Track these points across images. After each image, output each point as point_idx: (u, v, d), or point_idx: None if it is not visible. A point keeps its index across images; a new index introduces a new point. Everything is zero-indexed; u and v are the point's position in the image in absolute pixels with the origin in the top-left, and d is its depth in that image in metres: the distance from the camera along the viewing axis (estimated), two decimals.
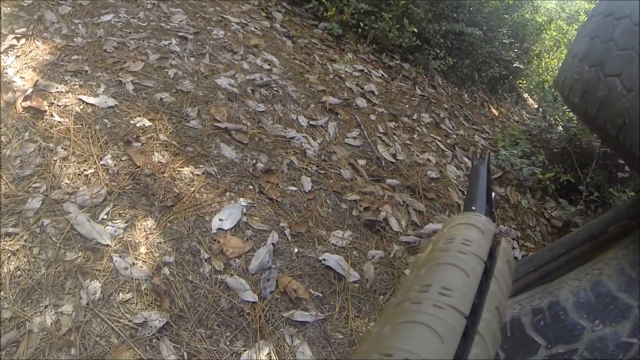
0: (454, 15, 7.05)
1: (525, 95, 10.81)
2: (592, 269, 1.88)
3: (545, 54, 10.72)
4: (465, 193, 1.54)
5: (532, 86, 9.51)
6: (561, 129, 6.12)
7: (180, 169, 2.86)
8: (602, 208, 4.95)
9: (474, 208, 1.28)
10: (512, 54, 8.39)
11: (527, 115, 9.45)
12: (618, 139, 1.69)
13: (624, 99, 1.65)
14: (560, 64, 9.96)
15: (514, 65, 8.61)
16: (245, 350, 2.18)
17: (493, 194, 1.43)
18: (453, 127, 5.78)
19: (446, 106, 6.26)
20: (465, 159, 5.03)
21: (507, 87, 9.55)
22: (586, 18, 2.28)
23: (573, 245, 2.62)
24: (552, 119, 6.46)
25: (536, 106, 9.72)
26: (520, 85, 10.20)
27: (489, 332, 0.85)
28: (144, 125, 3.05)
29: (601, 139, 2.04)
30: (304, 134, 3.74)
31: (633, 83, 1.62)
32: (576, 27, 14.04)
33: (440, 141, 5.08)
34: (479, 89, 8.25)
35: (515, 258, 3.70)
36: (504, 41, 8.11)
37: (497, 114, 8.01)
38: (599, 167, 5.13)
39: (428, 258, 0.98)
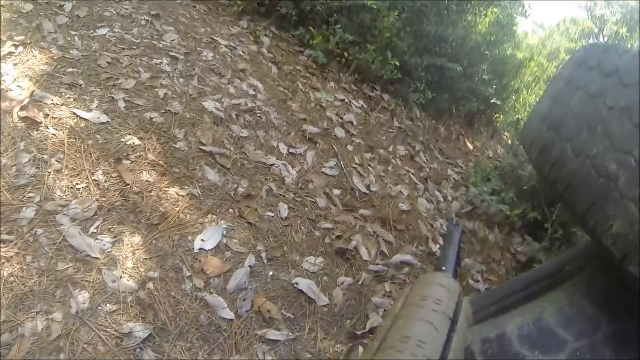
0: (436, 49, 7.19)
1: (502, 130, 11.00)
2: (535, 306, 2.08)
3: (524, 89, 10.90)
4: (439, 253, 1.75)
5: (506, 124, 9.70)
6: (530, 167, 6.32)
7: (167, 189, 3.02)
8: (566, 245, 5.11)
9: (444, 268, 1.51)
10: (491, 90, 8.52)
11: (502, 150, 9.60)
12: (564, 197, 1.89)
13: (572, 162, 1.86)
14: (533, 105, 10.15)
15: (492, 101, 8.77)
16: None
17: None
18: (427, 160, 5.94)
19: (422, 139, 6.41)
20: (437, 193, 5.22)
21: (483, 121, 9.69)
22: (552, 77, 2.48)
23: (531, 282, 2.82)
24: (522, 157, 6.66)
25: (510, 142, 9.93)
26: (497, 120, 10.38)
27: None
28: (133, 143, 3.19)
29: (552, 192, 2.25)
30: (284, 162, 3.90)
31: (581, 149, 1.82)
32: (556, 64, 14.31)
33: (413, 174, 5.25)
34: (456, 122, 8.38)
35: (478, 290, 3.88)
36: (484, 77, 8.27)
37: (472, 147, 8.17)
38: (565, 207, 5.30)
39: (407, 312, 1.19)
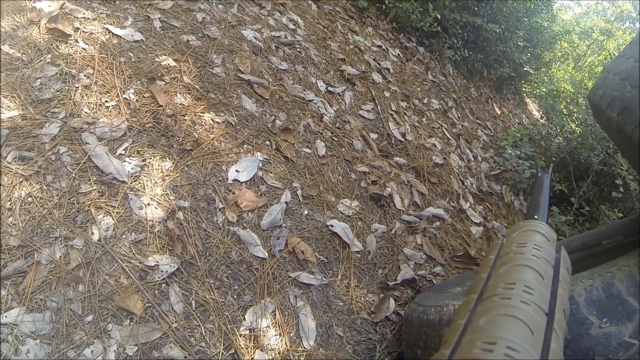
0: (476, 9, 7.04)
1: (527, 100, 10.86)
2: (605, 271, 1.95)
3: (554, 63, 10.75)
4: (529, 202, 1.62)
5: (537, 92, 9.56)
6: (561, 139, 6.19)
7: (201, 114, 2.85)
8: (590, 222, 5.03)
9: (536, 217, 1.36)
10: (524, 57, 8.42)
11: (527, 119, 9.51)
12: None
13: None
14: (566, 79, 9.98)
15: (524, 68, 8.64)
16: (251, 305, 2.19)
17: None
18: (459, 117, 5.83)
19: (454, 96, 6.29)
20: (468, 151, 5.08)
21: (512, 89, 9.60)
22: (633, 39, 2.33)
23: (567, 251, 2.69)
24: (556, 127, 6.52)
25: (536, 113, 9.78)
26: (525, 89, 10.24)
27: (561, 330, 0.92)
28: (168, 64, 3.02)
29: (629, 156, 2.11)
30: (322, 99, 3.75)
31: None
32: (587, 42, 14.10)
33: (446, 129, 5.11)
34: (486, 85, 8.29)
35: None
36: (519, 43, 8.13)
37: (499, 112, 8.06)
38: (593, 184, 5.20)
39: (505, 259, 1.05)
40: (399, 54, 5.80)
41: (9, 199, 1.99)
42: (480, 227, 3.88)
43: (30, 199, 2.04)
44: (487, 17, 7.08)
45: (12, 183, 2.04)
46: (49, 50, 2.65)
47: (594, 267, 2.07)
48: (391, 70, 5.20)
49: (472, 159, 5.04)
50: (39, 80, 2.49)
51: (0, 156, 2.09)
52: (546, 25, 9.08)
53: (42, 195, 2.07)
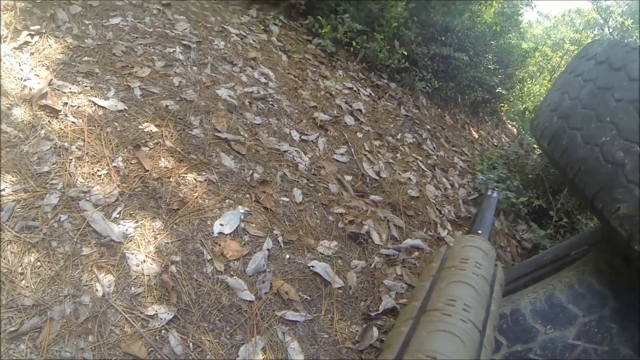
0: (443, 39, 7.27)
1: (505, 119, 11.04)
2: (547, 284, 2.19)
3: (529, 79, 10.95)
4: (473, 216, 1.77)
5: (512, 113, 9.77)
6: (536, 156, 6.41)
7: (185, 175, 3.09)
8: (570, 233, 5.20)
9: (480, 232, 1.54)
10: (496, 79, 8.61)
11: (506, 139, 9.68)
12: (574, 182, 2.00)
13: (581, 149, 1.96)
14: (543, 92, 10.17)
15: (497, 90, 8.83)
16: (243, 344, 2.40)
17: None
18: (434, 148, 6.02)
19: (428, 127, 6.48)
20: (444, 180, 5.29)
21: (488, 111, 9.76)
22: (562, 72, 2.58)
23: (538, 266, 2.93)
24: (528, 146, 6.75)
25: (515, 131, 9.98)
26: (502, 108, 10.43)
27: (490, 344, 1.12)
28: (151, 130, 3.26)
29: (563, 178, 2.35)
30: (296, 148, 3.97)
31: (590, 137, 1.93)
32: (560, 54, 14.34)
33: (421, 161, 5.32)
34: (461, 111, 8.45)
35: None
36: (489, 66, 8.33)
37: (477, 136, 8.24)
38: (570, 195, 5.41)
39: (448, 273, 1.24)
40: (370, 93, 6.02)
41: (20, 264, 2.22)
42: None
43: (39, 263, 2.27)
44: (455, 46, 7.26)
45: (21, 250, 2.27)
46: (42, 126, 2.89)
47: (539, 282, 2.31)
48: (363, 111, 5.41)
49: (449, 187, 5.24)
50: (36, 155, 2.73)
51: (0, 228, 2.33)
52: (515, 44, 9.27)
53: (49, 259, 2.30)
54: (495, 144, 8.73)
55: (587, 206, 2.17)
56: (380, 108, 5.87)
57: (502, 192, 5.24)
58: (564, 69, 2.58)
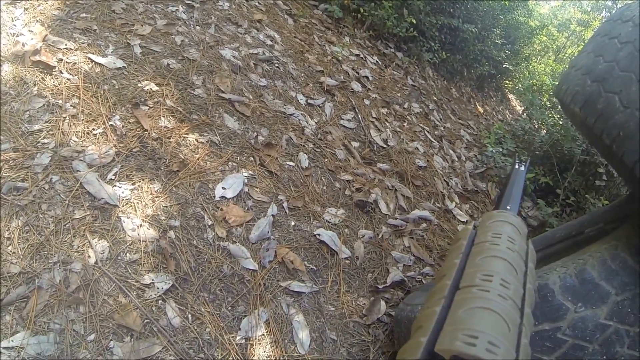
0: (451, 10, 7.13)
1: (510, 95, 10.94)
2: (577, 259, 2.04)
3: (534, 57, 10.83)
4: (500, 191, 1.66)
5: (518, 87, 9.65)
6: (544, 133, 6.29)
7: (186, 136, 2.94)
8: (577, 212, 5.11)
9: (508, 207, 1.42)
10: (503, 55, 8.50)
11: (510, 115, 9.59)
12: (611, 148, 1.85)
13: (620, 114, 1.82)
14: (548, 72, 10.06)
15: (503, 65, 8.73)
16: (245, 316, 2.28)
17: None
18: (441, 119, 5.90)
19: (435, 98, 6.37)
20: (451, 152, 5.16)
21: (493, 86, 9.67)
22: (591, 36, 2.44)
23: (551, 242, 2.81)
24: (537, 122, 6.62)
25: (519, 108, 9.88)
26: (507, 85, 10.32)
27: (529, 325, 0.99)
28: (151, 89, 3.11)
29: (595, 146, 2.21)
30: (302, 112, 3.84)
31: (630, 101, 1.79)
32: (566, 34, 14.21)
33: (428, 132, 5.20)
34: (467, 84, 8.36)
35: None
36: (496, 41, 8.21)
37: (482, 111, 8.14)
38: (578, 174, 5.30)
39: (480, 248, 1.11)
40: (377, 61, 5.89)
41: (7, 228, 2.07)
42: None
43: (27, 228, 2.12)
44: (463, 18, 7.16)
45: (9, 213, 2.12)
46: (34, 82, 2.73)
47: (568, 256, 2.17)
48: (370, 78, 5.29)
49: (456, 159, 5.13)
50: (28, 112, 2.57)
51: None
52: (523, 20, 9.14)
53: (39, 223, 2.15)
54: (501, 119, 8.63)
55: (623, 175, 2.04)
56: (387, 76, 5.74)
57: (509, 165, 5.11)
58: (594, 32, 2.45)
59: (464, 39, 7.37)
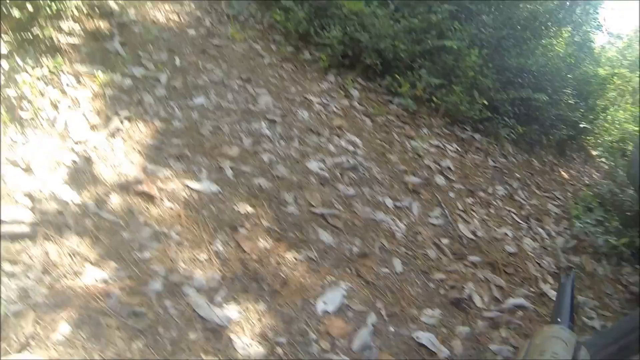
0: (519, 80, 7.20)
1: (594, 152, 10.76)
2: None
3: (610, 106, 10.60)
4: (554, 306, 1.81)
5: (599, 148, 9.49)
6: (632, 191, 6.20)
7: (284, 254, 3.15)
8: None
9: (559, 320, 1.58)
10: (578, 114, 8.34)
11: (597, 174, 9.42)
12: None
13: None
14: (628, 117, 9.80)
15: (581, 125, 8.59)
16: None
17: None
18: (526, 197, 5.91)
19: (518, 175, 6.39)
20: (540, 230, 5.18)
21: (575, 148, 9.50)
22: None
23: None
24: (622, 182, 6.53)
25: (605, 164, 9.68)
26: (588, 143, 10.13)
27: None
28: (246, 211, 3.35)
29: None
30: (391, 216, 4.00)
31: None
32: (638, 73, 13.86)
33: (515, 214, 5.25)
34: (548, 152, 8.25)
35: (594, 328, 3.83)
36: (569, 102, 8.11)
37: (567, 177, 8.02)
38: None
39: None
40: (456, 148, 6.00)
41: (128, 350, 2.28)
42: None
43: (147, 349, 2.33)
44: (532, 86, 7.12)
45: (129, 336, 2.34)
46: (140, 212, 3.02)
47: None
48: (452, 168, 5.40)
49: (546, 237, 5.12)
50: (137, 241, 2.83)
51: None
52: (592, 72, 8.98)
53: (157, 345, 2.36)
54: (587, 182, 8.49)
55: None
56: (468, 162, 5.83)
57: (603, 236, 5.10)
58: None
59: (537, 107, 7.30)
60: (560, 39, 8.41)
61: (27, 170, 2.98)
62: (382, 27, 6.06)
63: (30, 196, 2.81)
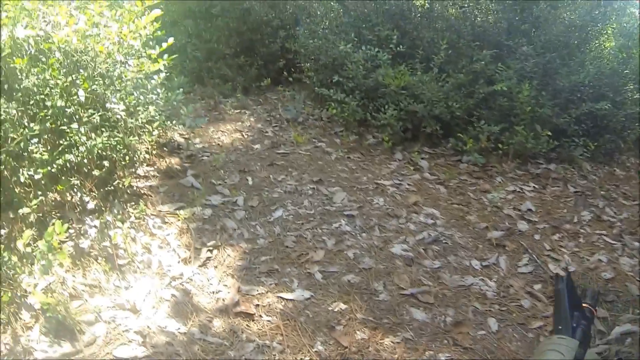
0: (578, 96, 7.07)
1: None
2: None
3: None
4: (552, 314, 1.88)
5: None
6: None
7: (382, 341, 3.36)
8: None
9: (560, 328, 1.66)
10: None
11: None
12: None
13: None
14: None
15: None
16: None
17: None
18: (615, 213, 5.79)
19: (602, 192, 6.27)
20: (636, 243, 5.05)
21: None
22: None
23: None
24: None
25: None
26: None
27: None
28: (340, 309, 3.60)
29: None
30: (480, 277, 4.14)
31: None
32: None
33: (606, 235, 5.17)
34: (629, 156, 7.85)
35: None
36: (635, 97, 7.62)
37: None
38: None
39: None
40: (534, 187, 6.04)
41: None
42: None
43: None
44: (592, 98, 6.96)
45: None
46: (242, 330, 3.33)
47: None
48: (533, 209, 5.44)
49: None
50: (244, 357, 3.13)
51: None
52: None
53: None
54: None
55: None
56: (548, 197, 5.84)
57: None
58: None
59: (603, 116, 7.08)
60: (606, 36, 8.28)
61: (134, 310, 3.34)
62: (431, 92, 6.31)
63: (140, 333, 3.16)
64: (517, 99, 6.37)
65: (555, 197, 5.91)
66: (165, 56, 4.35)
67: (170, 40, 4.28)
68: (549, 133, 6.40)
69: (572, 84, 6.89)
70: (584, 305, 1.79)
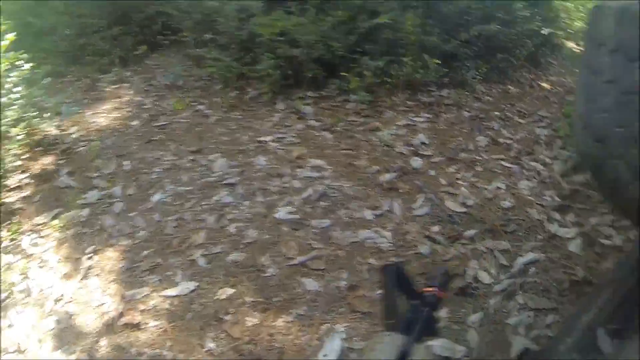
0: (467, 19, 6.90)
1: (570, 44, 10.27)
2: None
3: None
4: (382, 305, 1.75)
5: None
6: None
7: (274, 323, 3.10)
8: None
9: (387, 323, 1.60)
10: (537, 23, 7.94)
11: (577, 70, 8.95)
12: None
13: None
14: None
15: (543, 32, 8.14)
16: None
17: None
18: (511, 134, 5.73)
19: (497, 113, 6.21)
20: (533, 164, 4.99)
21: (548, 52, 9.03)
22: None
23: None
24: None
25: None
26: (559, 38, 9.63)
27: None
28: (228, 295, 3.31)
29: None
30: (374, 228, 3.89)
31: None
32: None
33: (504, 159, 5.08)
34: (522, 72, 7.90)
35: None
36: (525, 14, 7.64)
37: (549, 86, 7.68)
38: None
39: None
40: (426, 117, 5.83)
41: None
42: (578, 239, 3.79)
43: None
44: (481, 20, 6.91)
45: None
46: (131, 344, 3.04)
47: None
48: (427, 142, 5.26)
49: (542, 169, 4.94)
50: None
51: None
52: None
53: None
54: (570, 83, 8.06)
55: None
56: (442, 125, 5.68)
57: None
58: None
59: (491, 37, 6.97)
60: None
61: (20, 351, 3.04)
62: (309, 35, 6.03)
63: None
64: (401, 30, 6.20)
65: (449, 125, 5.77)
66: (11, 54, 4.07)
67: (11, 35, 4.04)
68: (438, 61, 6.23)
69: (459, 9, 6.83)
70: (425, 290, 1.67)
